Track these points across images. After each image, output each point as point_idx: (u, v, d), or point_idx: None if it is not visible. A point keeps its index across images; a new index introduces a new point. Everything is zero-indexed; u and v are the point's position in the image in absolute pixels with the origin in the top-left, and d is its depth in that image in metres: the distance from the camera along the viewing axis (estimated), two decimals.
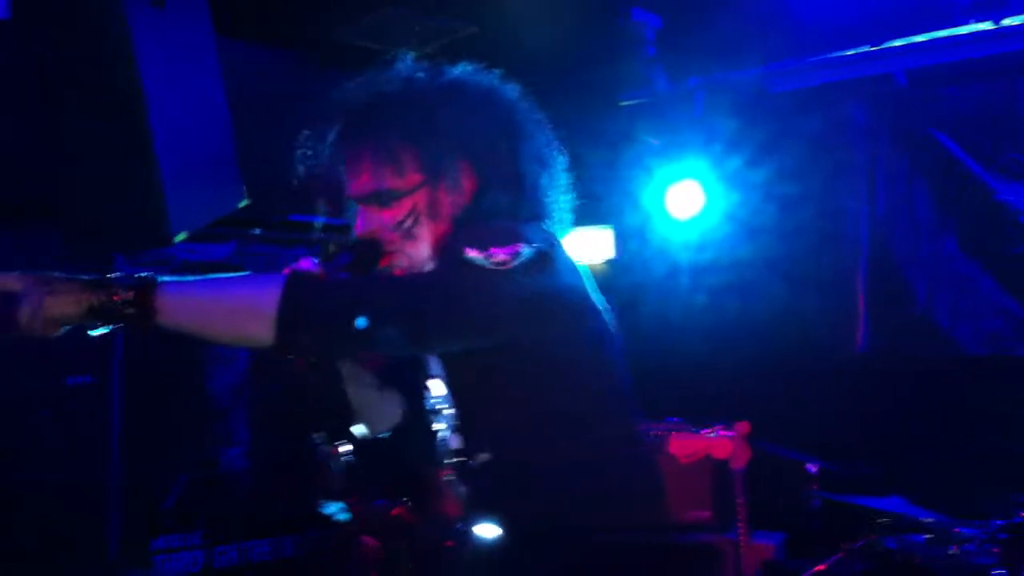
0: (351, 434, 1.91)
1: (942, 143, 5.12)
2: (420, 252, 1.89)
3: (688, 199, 5.49)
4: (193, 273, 4.76)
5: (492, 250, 1.70)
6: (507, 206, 1.91)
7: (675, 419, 4.42)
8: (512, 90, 2.03)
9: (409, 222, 1.87)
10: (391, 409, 2.15)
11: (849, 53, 4.90)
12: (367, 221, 1.91)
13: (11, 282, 1.70)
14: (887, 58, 4.88)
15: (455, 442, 1.90)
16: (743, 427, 4.23)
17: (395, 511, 1.76)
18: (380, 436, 2.05)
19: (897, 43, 4.76)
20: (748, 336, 5.29)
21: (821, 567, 4.01)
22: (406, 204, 1.87)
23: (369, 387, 2.07)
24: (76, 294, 1.66)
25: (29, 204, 4.11)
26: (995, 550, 3.56)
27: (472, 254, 1.69)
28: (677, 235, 5.67)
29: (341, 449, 2.17)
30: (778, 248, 5.30)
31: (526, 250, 1.73)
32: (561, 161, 2.03)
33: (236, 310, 1.71)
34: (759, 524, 4.33)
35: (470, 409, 1.90)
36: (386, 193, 1.88)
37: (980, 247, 5.02)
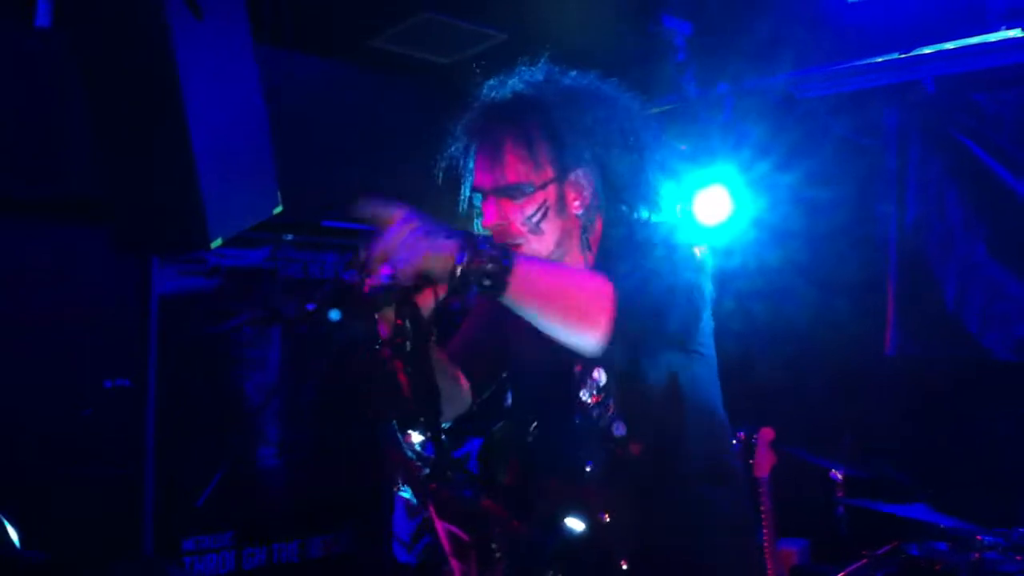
0: (434, 424, 1.92)
1: (972, 149, 5.12)
2: (544, 246, 1.99)
3: (716, 204, 5.51)
4: (225, 278, 4.83)
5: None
6: (627, 212, 2.05)
7: None
8: (635, 100, 2.13)
9: (538, 217, 1.97)
10: (463, 399, 2.19)
11: (878, 60, 4.91)
12: (495, 213, 1.99)
13: (394, 219, 1.72)
14: (916, 65, 4.88)
15: (620, 430, 1.97)
16: (767, 434, 4.24)
17: (485, 503, 1.77)
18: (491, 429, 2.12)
19: (926, 50, 4.76)
20: (777, 341, 5.31)
21: (843, 574, 4.04)
22: (537, 199, 1.97)
23: (449, 378, 2.10)
24: (448, 252, 1.67)
25: (70, 203, 4.19)
26: (1018, 558, 3.58)
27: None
28: (705, 240, 5.68)
29: (414, 438, 2.23)
30: (807, 253, 5.31)
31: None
32: (680, 169, 2.15)
33: (579, 299, 1.75)
34: (784, 530, 4.35)
35: (634, 402, 1.99)
36: (522, 187, 1.97)
37: (1010, 252, 5.01)
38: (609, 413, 1.97)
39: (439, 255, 1.67)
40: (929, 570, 3.79)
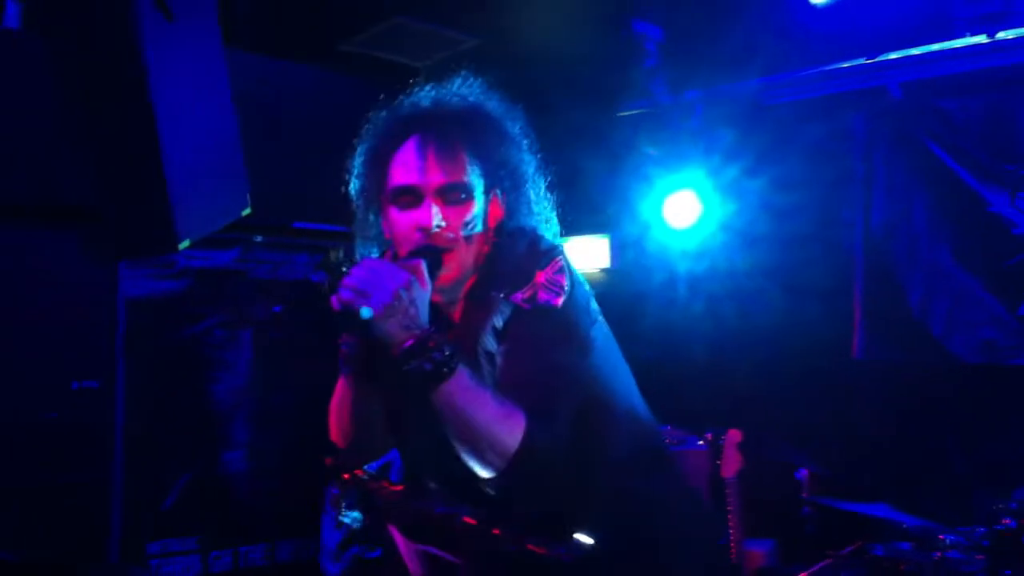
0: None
1: (938, 154, 5.18)
2: (467, 258, 2.00)
3: (686, 208, 5.55)
4: (194, 280, 4.78)
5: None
6: (530, 230, 2.08)
7: (666, 427, 4.46)
8: (529, 136, 2.18)
9: (472, 224, 1.98)
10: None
11: (845, 66, 4.96)
12: (430, 215, 1.95)
13: (402, 272, 1.81)
14: (883, 71, 4.94)
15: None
16: (734, 435, 4.27)
17: (464, 519, 1.76)
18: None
19: (892, 56, 4.81)
20: (745, 344, 5.34)
21: (808, 574, 4.08)
22: (473, 205, 1.98)
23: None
24: (416, 321, 1.79)
25: (39, 206, 4.17)
26: (979, 557, 3.62)
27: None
28: (675, 244, 5.72)
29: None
30: (775, 257, 5.35)
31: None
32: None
33: (489, 435, 1.81)
34: (750, 531, 4.39)
35: None
36: (469, 188, 1.98)
37: (975, 258, 5.06)
38: None
39: (394, 330, 1.78)
40: (893, 570, 3.83)
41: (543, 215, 2.14)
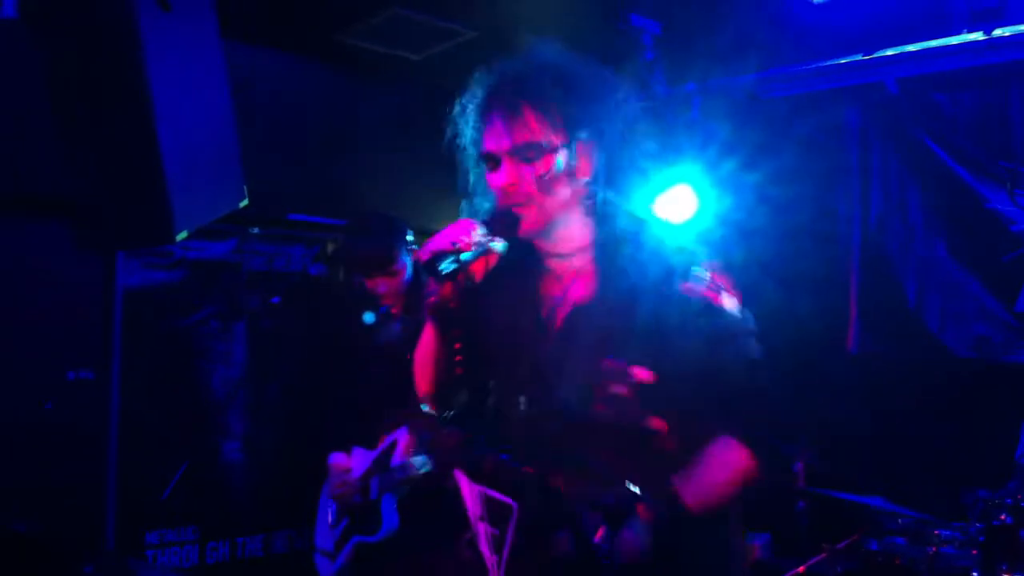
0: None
1: (933, 149, 5.19)
2: (552, 206, 2.13)
3: (682, 202, 5.55)
4: (190, 271, 4.79)
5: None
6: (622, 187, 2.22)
7: None
8: (632, 98, 2.30)
9: (549, 176, 2.10)
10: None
11: (842, 61, 4.96)
12: (511, 173, 2.11)
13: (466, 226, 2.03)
14: (879, 66, 4.94)
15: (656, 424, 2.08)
16: None
17: (525, 468, 1.87)
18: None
19: (889, 52, 4.82)
20: None
21: (803, 568, 4.10)
22: (550, 160, 2.10)
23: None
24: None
25: (35, 198, 4.16)
26: (974, 552, 3.64)
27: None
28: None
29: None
30: (771, 251, 5.35)
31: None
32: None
33: (734, 484, 2.10)
34: (746, 524, 4.40)
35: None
36: (539, 145, 2.09)
37: (970, 253, 5.08)
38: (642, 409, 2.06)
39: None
40: (888, 564, 3.85)
41: (636, 170, 2.25)
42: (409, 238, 4.03)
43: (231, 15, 3.53)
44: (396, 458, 3.94)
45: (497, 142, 2.14)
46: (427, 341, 2.26)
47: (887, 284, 5.35)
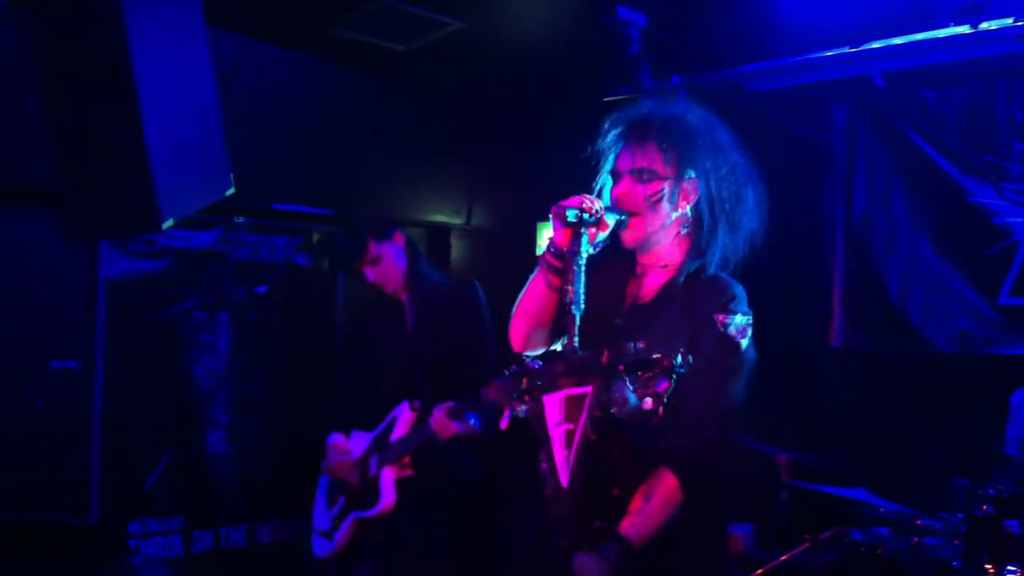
0: None
1: (919, 144, 5.20)
2: (654, 222, 2.65)
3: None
4: (174, 261, 4.81)
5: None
6: (719, 235, 2.72)
7: None
8: (741, 149, 2.81)
9: (656, 198, 2.64)
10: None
11: (828, 54, 4.96)
12: (626, 188, 2.64)
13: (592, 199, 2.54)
14: (865, 60, 4.94)
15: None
16: None
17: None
18: None
19: (875, 45, 4.82)
20: None
21: (786, 558, 4.11)
22: (658, 185, 2.64)
23: None
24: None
25: (19, 188, 4.14)
26: (956, 542, 3.66)
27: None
28: None
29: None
30: (754, 245, 5.36)
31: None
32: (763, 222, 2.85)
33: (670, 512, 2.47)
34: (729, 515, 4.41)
35: None
36: (653, 172, 2.64)
37: (953, 248, 5.09)
38: (658, 397, 2.32)
39: None
40: (871, 554, 3.87)
41: (736, 221, 2.75)
42: (386, 226, 4.25)
43: (217, 4, 3.52)
44: (395, 434, 4.04)
45: (623, 162, 2.68)
46: (533, 288, 2.72)
47: (870, 279, 5.36)
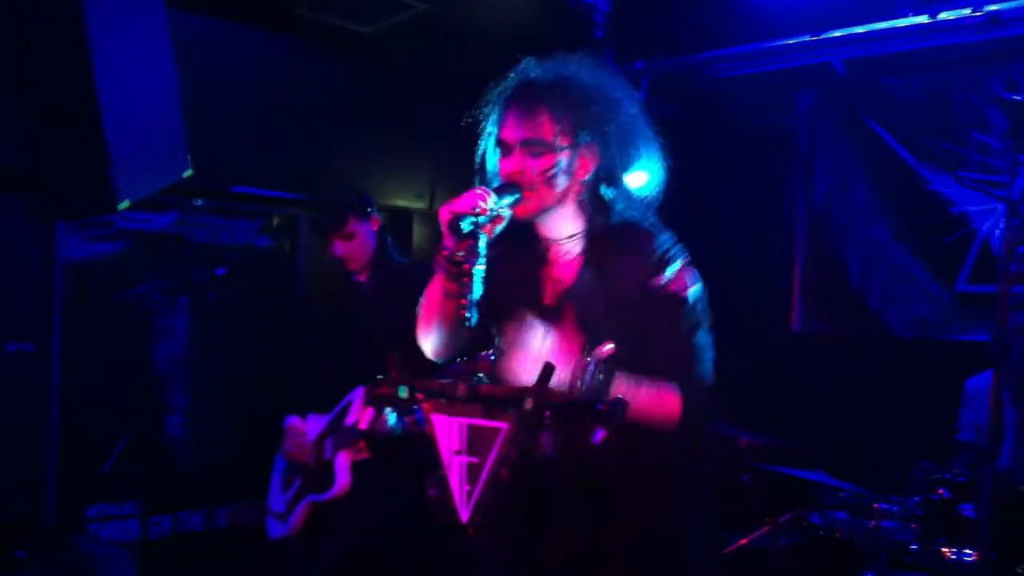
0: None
1: (879, 132, 5.26)
2: (551, 197, 2.45)
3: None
4: (132, 243, 4.77)
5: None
6: (614, 196, 2.51)
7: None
8: (636, 103, 2.58)
9: (552, 172, 2.43)
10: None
11: (791, 42, 4.99)
12: (518, 163, 2.43)
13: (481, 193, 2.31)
14: (827, 48, 4.97)
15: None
16: None
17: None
18: None
19: (837, 33, 4.85)
20: None
21: (746, 541, 4.15)
22: (553, 158, 2.42)
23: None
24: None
25: None
26: (913, 526, 3.71)
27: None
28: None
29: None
30: (717, 229, 5.39)
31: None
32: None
33: (651, 416, 2.28)
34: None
35: None
36: (546, 143, 2.42)
37: (912, 235, 5.16)
38: (608, 382, 2.25)
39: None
40: (829, 537, 3.92)
41: (634, 165, 2.54)
42: (369, 208, 4.24)
43: None
44: (350, 418, 4.05)
45: (512, 133, 2.45)
46: (431, 292, 2.55)
47: (831, 265, 5.42)
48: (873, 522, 3.77)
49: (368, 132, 5.51)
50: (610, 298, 2.41)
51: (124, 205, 3.28)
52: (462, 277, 2.28)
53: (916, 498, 3.73)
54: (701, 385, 2.38)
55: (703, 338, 2.42)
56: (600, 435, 2.00)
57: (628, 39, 5.29)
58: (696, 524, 2.55)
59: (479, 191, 2.34)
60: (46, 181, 3.34)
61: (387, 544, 4.04)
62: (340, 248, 4.17)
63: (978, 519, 3.43)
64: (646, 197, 2.59)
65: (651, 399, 2.29)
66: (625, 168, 2.52)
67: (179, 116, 3.58)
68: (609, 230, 2.49)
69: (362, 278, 4.27)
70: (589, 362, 2.17)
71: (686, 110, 5.48)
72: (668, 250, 2.44)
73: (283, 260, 5.44)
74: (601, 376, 2.18)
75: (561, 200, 2.48)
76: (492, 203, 2.32)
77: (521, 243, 2.54)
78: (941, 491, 3.65)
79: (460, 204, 2.30)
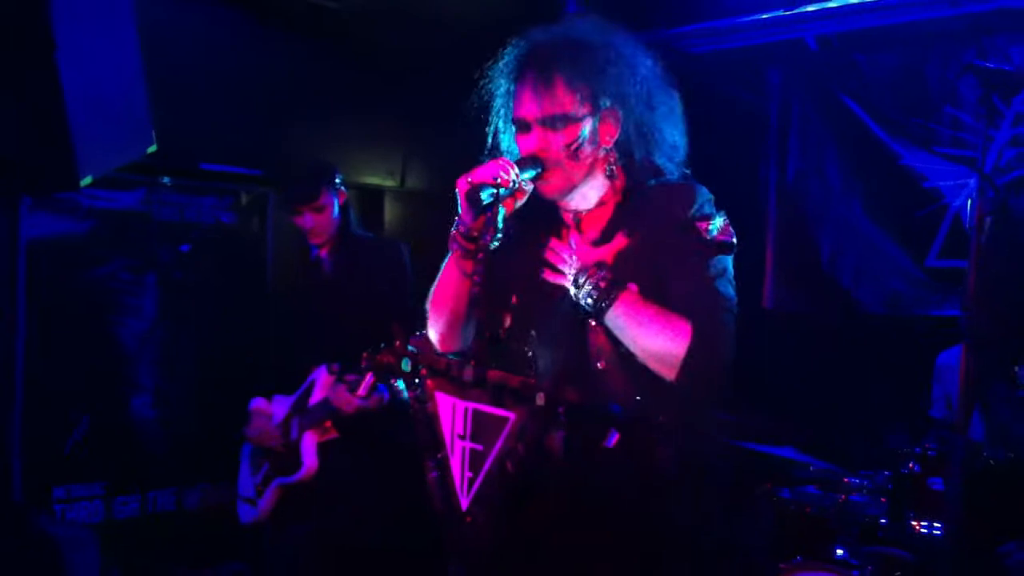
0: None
1: (852, 108, 5.25)
2: (577, 171, 2.32)
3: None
4: (99, 222, 4.72)
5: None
6: (644, 155, 2.39)
7: None
8: (657, 63, 2.46)
9: (575, 145, 2.29)
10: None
11: (764, 17, 4.97)
12: (539, 140, 2.30)
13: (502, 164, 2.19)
14: (799, 23, 4.96)
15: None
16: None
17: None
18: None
19: (809, 8, 4.83)
20: None
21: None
22: (575, 130, 2.28)
23: None
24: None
25: None
26: (882, 500, 3.72)
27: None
28: None
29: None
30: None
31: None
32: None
33: (658, 345, 2.18)
34: None
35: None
36: (567, 116, 2.28)
37: (885, 211, 5.16)
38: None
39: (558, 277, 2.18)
40: (799, 512, 3.92)
41: (665, 137, 2.42)
42: (337, 180, 4.21)
43: None
44: (314, 397, 4.02)
45: (528, 110, 2.30)
46: (446, 275, 2.41)
47: (803, 242, 5.42)
48: (843, 496, 3.77)
49: (339, 110, 5.47)
50: (643, 253, 2.30)
51: (87, 181, 3.23)
52: (478, 254, 2.16)
53: (886, 472, 3.74)
54: (717, 326, 2.24)
55: (728, 288, 2.31)
56: (615, 438, 1.94)
57: (600, 13, 5.24)
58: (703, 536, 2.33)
59: (502, 161, 2.21)
60: (7, 158, 3.28)
61: (359, 527, 4.02)
62: (310, 220, 4.14)
63: (948, 491, 3.44)
64: (678, 150, 2.46)
65: (658, 318, 2.18)
66: (651, 125, 2.39)
67: (143, 91, 3.52)
68: (648, 190, 2.37)
69: (322, 253, 4.24)
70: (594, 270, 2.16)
71: None
72: (709, 200, 2.37)
73: (251, 238, 5.39)
74: (603, 284, 2.17)
75: (590, 172, 2.35)
76: (515, 175, 2.19)
77: (539, 220, 2.42)
78: (911, 465, 3.66)
79: (480, 174, 2.17)
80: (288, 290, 4.61)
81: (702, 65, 5.42)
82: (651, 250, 2.29)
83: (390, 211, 5.96)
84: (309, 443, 3.99)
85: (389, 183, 5.89)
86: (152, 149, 3.55)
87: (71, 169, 3.18)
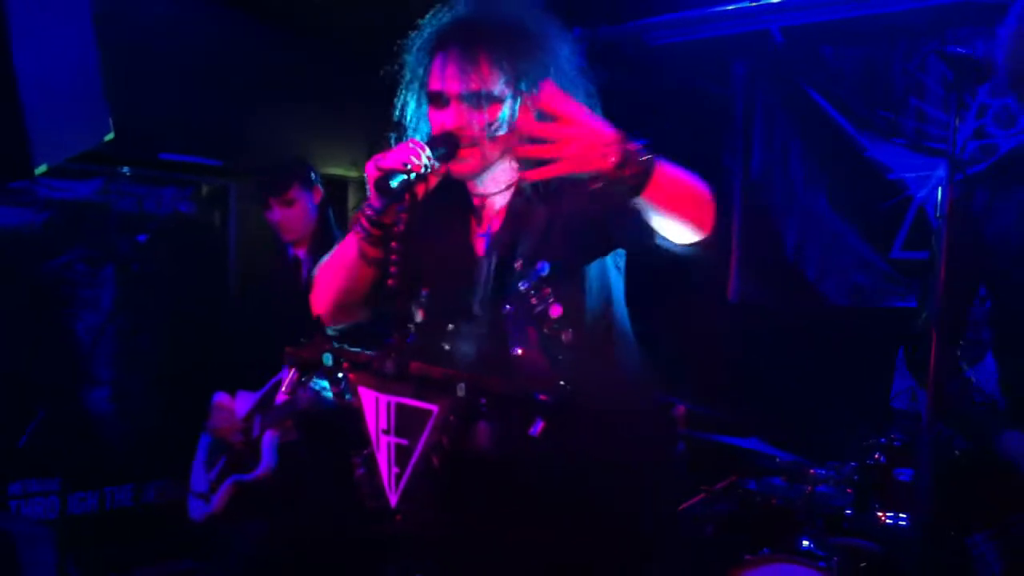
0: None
1: (817, 101, 5.26)
2: (494, 153, 2.24)
3: None
4: (55, 212, 4.65)
5: None
6: None
7: None
8: (571, 39, 2.37)
9: (496, 125, 2.19)
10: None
11: (729, 8, 4.96)
12: (457, 117, 2.19)
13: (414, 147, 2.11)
14: (764, 15, 4.96)
15: (556, 311, 2.20)
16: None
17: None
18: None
19: (774, 0, 4.84)
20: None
21: (681, 508, 4.13)
22: (496, 110, 2.19)
23: None
24: (613, 156, 1.96)
25: None
26: (849, 491, 3.72)
27: None
28: None
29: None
30: None
31: None
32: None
33: (696, 197, 2.11)
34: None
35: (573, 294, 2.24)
36: (490, 95, 2.19)
37: (850, 203, 5.18)
38: (548, 299, 2.18)
39: (600, 158, 1.95)
40: (765, 504, 3.92)
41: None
42: (313, 177, 4.16)
43: None
44: (280, 396, 3.95)
45: (450, 84, 2.21)
46: (344, 254, 2.32)
47: (768, 235, 5.43)
48: (809, 488, 3.77)
49: (301, 97, 5.41)
50: (557, 232, 2.22)
51: (41, 170, 3.15)
52: (389, 242, 2.11)
53: (852, 463, 3.75)
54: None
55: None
56: (539, 427, 1.85)
57: (566, 4, 5.21)
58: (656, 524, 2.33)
59: (412, 144, 2.12)
60: None
61: (315, 525, 3.96)
62: (278, 213, 4.08)
63: (916, 483, 3.44)
64: None
65: (688, 178, 2.10)
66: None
67: (99, 77, 3.45)
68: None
69: (300, 252, 4.18)
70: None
71: (623, 78, 5.42)
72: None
73: (212, 230, 5.32)
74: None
75: (504, 153, 2.26)
76: (426, 159, 2.11)
77: (450, 200, 2.33)
78: (877, 456, 3.67)
79: (390, 159, 2.10)
80: (260, 287, 4.52)
81: (667, 57, 5.42)
82: (568, 224, 2.22)
83: (354, 202, 5.92)
84: (270, 441, 3.93)
85: (353, 174, 5.84)
86: (109, 137, 3.48)
87: (25, 157, 3.12)
